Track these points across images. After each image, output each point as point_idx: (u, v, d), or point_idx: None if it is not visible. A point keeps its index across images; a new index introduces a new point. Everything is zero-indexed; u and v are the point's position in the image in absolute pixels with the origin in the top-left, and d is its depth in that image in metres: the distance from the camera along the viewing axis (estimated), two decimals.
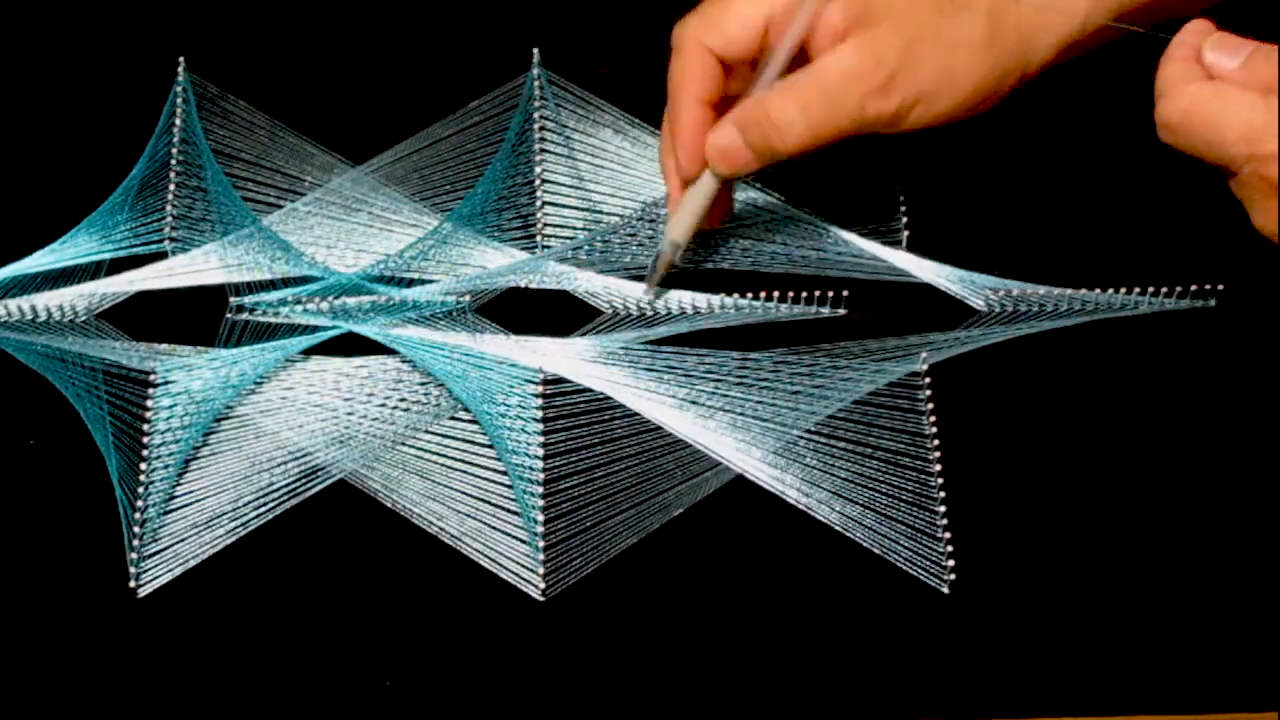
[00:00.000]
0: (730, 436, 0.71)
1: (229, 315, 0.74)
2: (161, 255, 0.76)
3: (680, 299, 0.75)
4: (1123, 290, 0.74)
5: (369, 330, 0.74)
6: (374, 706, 0.66)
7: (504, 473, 0.71)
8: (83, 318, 0.75)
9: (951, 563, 0.68)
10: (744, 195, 0.77)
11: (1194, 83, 0.60)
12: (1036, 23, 0.66)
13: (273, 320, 0.74)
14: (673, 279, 0.75)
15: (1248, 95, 0.58)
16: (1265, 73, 0.59)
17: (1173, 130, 0.60)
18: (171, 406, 0.72)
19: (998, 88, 0.67)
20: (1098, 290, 0.74)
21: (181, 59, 0.81)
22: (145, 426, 0.71)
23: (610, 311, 0.75)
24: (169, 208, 0.77)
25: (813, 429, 0.72)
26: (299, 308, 0.74)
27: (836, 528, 0.69)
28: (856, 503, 0.70)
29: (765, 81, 0.66)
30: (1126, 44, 0.69)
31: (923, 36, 0.64)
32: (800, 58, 0.66)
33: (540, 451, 0.71)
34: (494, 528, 0.70)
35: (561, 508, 0.70)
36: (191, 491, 0.70)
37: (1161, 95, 0.61)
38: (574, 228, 0.77)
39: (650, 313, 0.74)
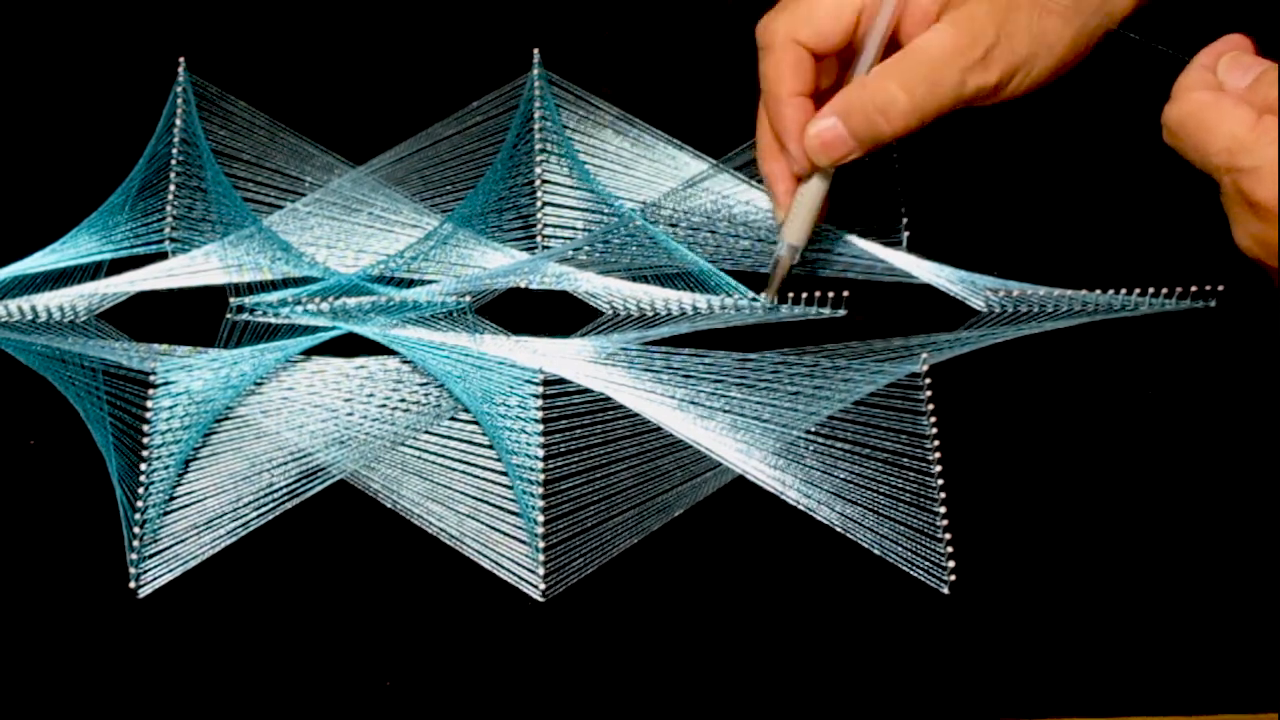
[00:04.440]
0: (730, 437, 0.71)
1: (229, 315, 0.74)
2: (162, 255, 0.76)
3: (680, 299, 0.75)
4: (1123, 290, 0.74)
5: (369, 331, 0.74)
6: (374, 706, 0.66)
7: (504, 473, 0.71)
8: (83, 318, 0.75)
9: (951, 563, 0.68)
10: (745, 196, 0.77)
11: (1199, 90, 0.61)
12: None
13: (273, 321, 0.74)
14: (674, 281, 0.75)
15: (1240, 109, 0.60)
16: (1267, 92, 0.60)
17: (1171, 133, 0.62)
18: (171, 406, 0.72)
19: (1085, 46, 0.68)
20: (1098, 290, 0.74)
21: (181, 59, 0.81)
22: (145, 426, 0.71)
23: (610, 312, 0.75)
24: (169, 208, 0.77)
25: (813, 430, 0.72)
26: (299, 308, 0.74)
27: (837, 528, 0.69)
28: (857, 503, 0.70)
29: (862, 69, 0.66)
30: (1126, 44, 0.69)
31: (1014, 6, 0.65)
32: (892, 45, 0.66)
33: (540, 452, 0.71)
34: (494, 528, 0.70)
35: (561, 508, 0.70)
36: (191, 491, 0.70)
37: (1171, 98, 0.62)
38: (574, 228, 0.77)
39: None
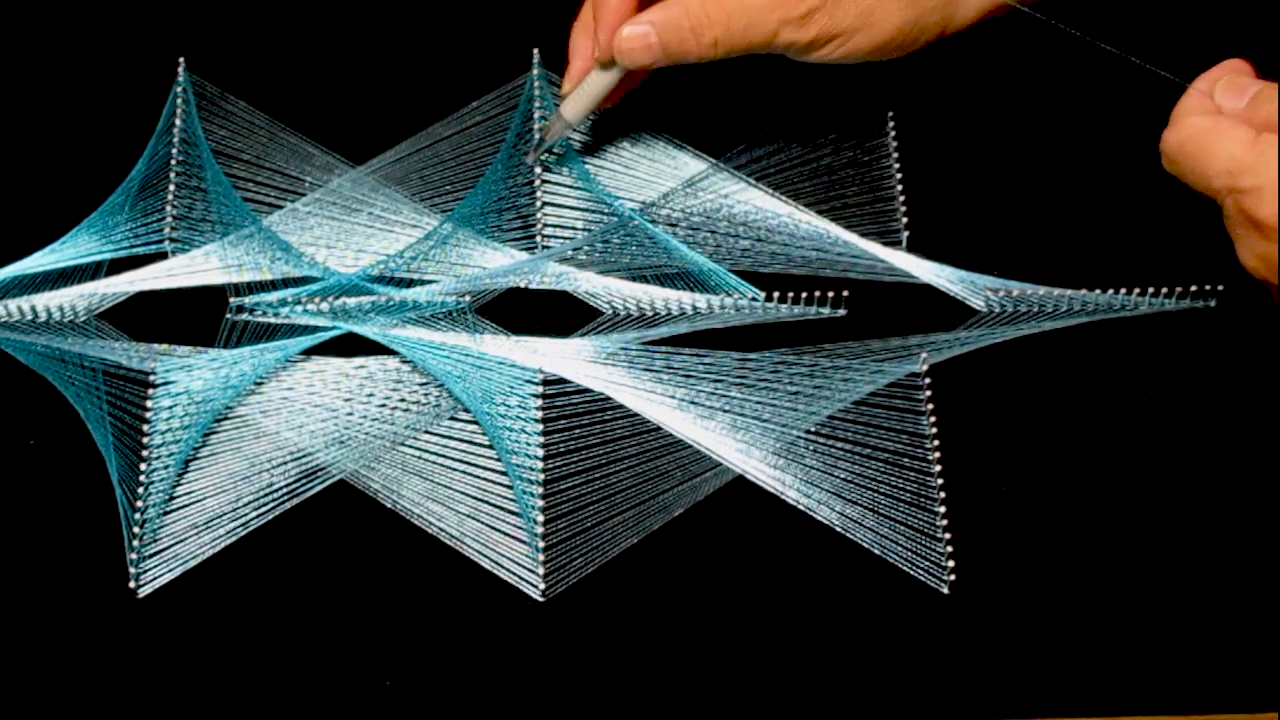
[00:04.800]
0: (730, 437, 0.71)
1: (229, 315, 0.74)
2: (161, 255, 0.76)
3: (680, 299, 0.75)
4: (1123, 290, 0.74)
5: (369, 330, 0.74)
6: (374, 706, 0.66)
7: (504, 473, 0.71)
8: (83, 318, 0.75)
9: (951, 563, 0.68)
10: (744, 195, 0.77)
11: (1197, 115, 0.61)
12: None
13: (273, 321, 0.74)
14: (674, 281, 0.75)
15: (1239, 130, 0.60)
16: (1265, 111, 0.60)
17: (1170, 159, 0.62)
18: (171, 406, 0.72)
19: (915, 39, 0.69)
20: (1098, 290, 0.74)
21: (181, 59, 0.81)
22: (145, 426, 0.71)
23: (610, 312, 0.75)
24: (169, 208, 0.77)
25: (813, 429, 0.72)
26: (299, 308, 0.74)
27: (837, 528, 0.69)
28: (856, 503, 0.70)
29: None
30: (1126, 44, 0.69)
31: None
32: None
33: (540, 452, 0.71)
34: (494, 528, 0.70)
35: (561, 508, 0.70)
36: (191, 491, 0.70)
37: (1170, 125, 0.62)
38: (574, 228, 0.77)
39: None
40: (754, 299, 0.74)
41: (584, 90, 0.72)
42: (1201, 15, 0.81)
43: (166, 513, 0.70)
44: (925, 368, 0.73)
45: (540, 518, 0.69)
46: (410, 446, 0.72)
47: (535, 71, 0.80)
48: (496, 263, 0.76)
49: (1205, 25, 0.80)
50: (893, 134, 0.80)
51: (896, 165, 0.79)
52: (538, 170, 0.78)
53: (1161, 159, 0.63)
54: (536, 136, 0.77)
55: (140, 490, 0.70)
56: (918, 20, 0.68)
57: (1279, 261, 0.60)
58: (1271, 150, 0.58)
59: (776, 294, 0.74)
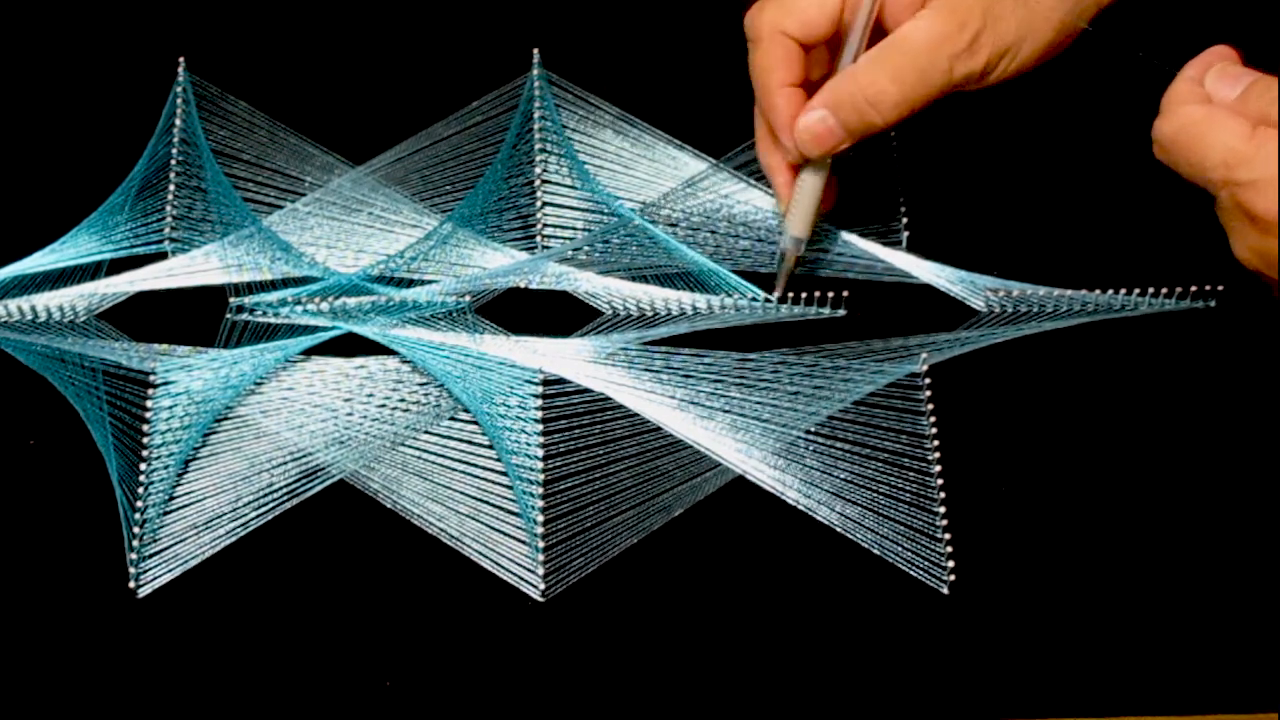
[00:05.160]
0: (730, 437, 0.71)
1: (229, 315, 0.74)
2: (161, 255, 0.76)
3: (680, 299, 0.75)
4: (1123, 290, 0.74)
5: (369, 331, 0.74)
6: (374, 706, 0.66)
7: (504, 473, 0.71)
8: (83, 318, 0.75)
9: (951, 563, 0.68)
10: (744, 196, 0.77)
11: (1190, 104, 0.61)
12: None
13: (273, 321, 0.74)
14: (674, 281, 0.75)
15: (1235, 122, 0.59)
16: (1259, 104, 0.60)
17: (1164, 148, 0.62)
18: (171, 406, 0.72)
19: (1074, 26, 0.67)
20: (1098, 290, 0.74)
21: (181, 59, 0.81)
22: (145, 426, 0.71)
23: (610, 312, 0.75)
24: (169, 208, 0.77)
25: (813, 430, 0.72)
26: (299, 308, 0.74)
27: (836, 528, 0.69)
28: (856, 503, 0.70)
29: (848, 59, 0.66)
30: (1125, 44, 0.69)
31: None
32: (878, 33, 0.66)
33: (540, 452, 0.71)
34: (494, 528, 0.70)
35: (561, 508, 0.70)
36: (191, 491, 0.70)
37: (1161, 113, 0.62)
38: (574, 228, 0.77)
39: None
40: (754, 299, 0.74)
41: (799, 202, 0.71)
42: (1197, 12, 0.81)
43: (166, 513, 0.70)
44: (925, 368, 0.73)
45: (540, 518, 0.69)
46: (410, 446, 0.72)
47: (535, 71, 0.80)
48: (496, 263, 0.76)
49: (1200, 22, 0.80)
50: (893, 134, 0.80)
51: (896, 165, 0.79)
52: (538, 171, 0.78)
53: (1154, 147, 0.62)
54: (777, 267, 0.74)
55: (140, 490, 0.70)
56: (1072, 8, 0.67)
57: (1279, 256, 0.60)
58: (1270, 144, 0.58)
59: (776, 294, 0.74)
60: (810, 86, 0.68)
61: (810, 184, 0.70)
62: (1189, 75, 0.62)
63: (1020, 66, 0.67)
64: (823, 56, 0.68)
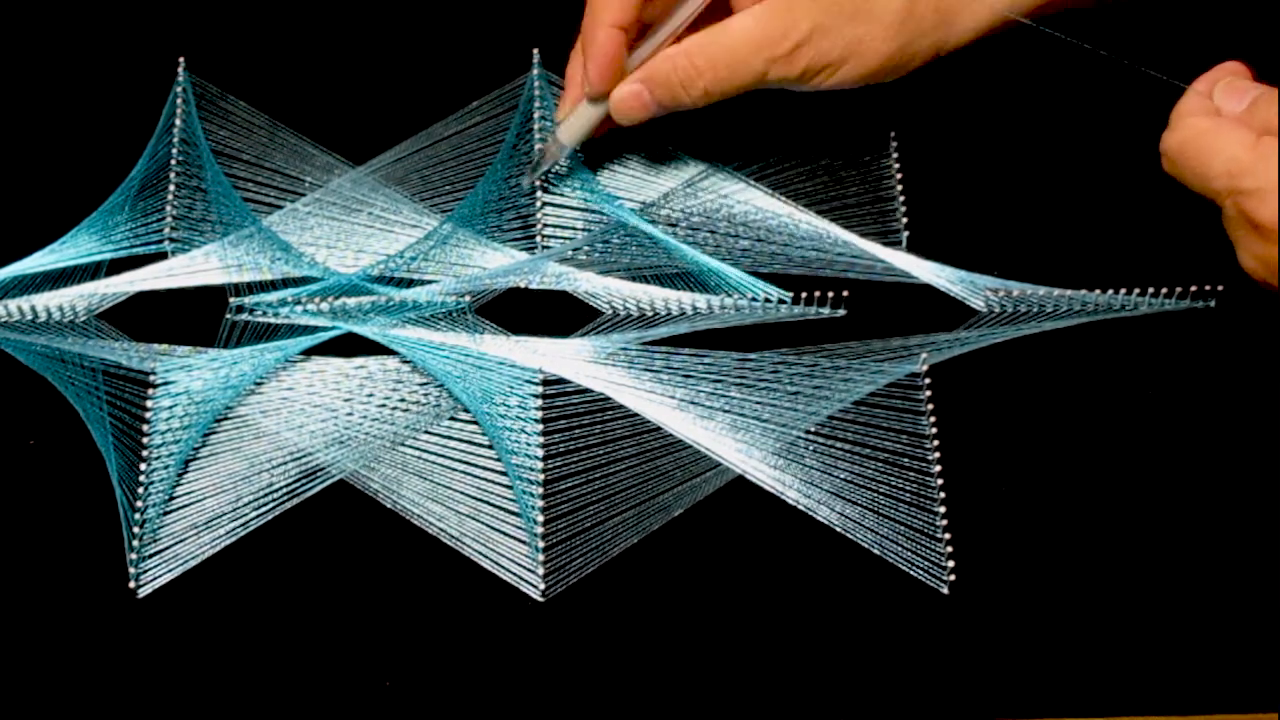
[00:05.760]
0: (730, 437, 0.71)
1: (229, 315, 0.74)
2: (161, 255, 0.76)
3: (680, 299, 0.75)
4: (1123, 290, 0.74)
5: (369, 331, 0.74)
6: (374, 706, 0.66)
7: (504, 473, 0.71)
8: (83, 318, 0.75)
9: (951, 563, 0.68)
10: (744, 195, 0.77)
11: (1197, 116, 0.61)
12: (956, 4, 0.68)
13: (273, 321, 0.74)
14: (674, 281, 0.75)
15: (1239, 132, 0.60)
16: (1265, 116, 0.60)
17: (1170, 160, 0.62)
18: (171, 406, 0.72)
19: (908, 63, 0.69)
20: (1098, 291, 0.74)
21: (181, 59, 0.81)
22: (145, 426, 0.71)
23: (610, 312, 0.75)
24: (169, 208, 0.77)
25: (813, 429, 0.72)
26: (299, 308, 0.74)
27: (836, 528, 0.69)
28: (856, 503, 0.70)
29: (668, 30, 0.69)
30: (1127, 44, 0.69)
31: (838, 7, 0.67)
32: (721, 7, 0.69)
33: (540, 452, 0.71)
34: (494, 528, 0.70)
35: (561, 508, 0.70)
36: (191, 491, 0.70)
37: (1169, 126, 0.62)
38: (574, 228, 0.77)
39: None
40: (754, 299, 0.74)
41: (578, 118, 0.73)
42: (1196, 20, 0.81)
43: (166, 513, 0.70)
44: (925, 368, 0.73)
45: (540, 518, 0.69)
46: (410, 446, 0.72)
47: (535, 71, 0.80)
48: (496, 263, 0.76)
49: (1201, 30, 0.80)
50: (893, 134, 0.80)
51: (896, 165, 0.79)
52: (536, 179, 0.78)
53: (1161, 160, 0.63)
54: (535, 158, 0.77)
55: (140, 490, 0.70)
56: (906, 47, 0.68)
57: (1279, 264, 0.60)
58: (1272, 153, 0.58)
59: (776, 294, 0.74)
60: (641, 27, 0.70)
61: (595, 110, 0.73)
62: (1198, 89, 0.62)
63: (839, 83, 0.69)
64: (666, 2, 0.70)
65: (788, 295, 0.74)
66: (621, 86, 0.70)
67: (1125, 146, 0.78)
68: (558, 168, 0.77)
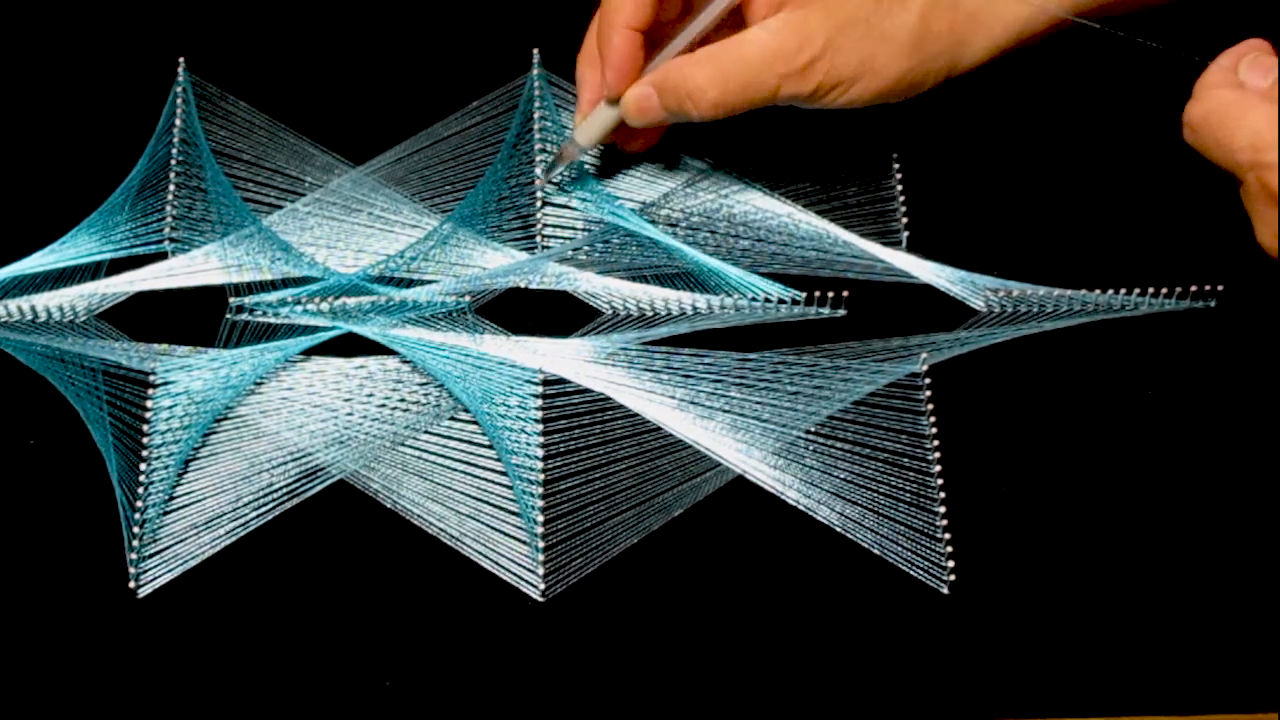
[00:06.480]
0: (730, 437, 0.71)
1: (229, 316, 0.74)
2: (161, 256, 0.76)
3: (680, 299, 0.75)
4: (1123, 291, 0.74)
5: (369, 331, 0.74)
6: (374, 706, 0.66)
7: (504, 473, 0.71)
8: (83, 318, 0.75)
9: (951, 563, 0.68)
10: (744, 195, 0.77)
11: (1223, 88, 0.61)
12: (970, 26, 0.68)
13: (273, 321, 0.74)
14: (674, 281, 0.75)
15: (1266, 106, 0.60)
16: None
17: (1193, 130, 0.62)
18: (171, 407, 0.72)
19: (920, 82, 0.69)
20: (1098, 291, 0.74)
21: (181, 59, 0.81)
22: (145, 426, 0.71)
23: (610, 312, 0.75)
24: (169, 208, 0.77)
25: (813, 429, 0.72)
26: (299, 308, 0.74)
27: (836, 528, 0.69)
28: (856, 503, 0.70)
29: (685, 38, 0.69)
30: (1126, 44, 0.69)
31: (852, 25, 0.66)
32: (736, 18, 0.68)
33: (540, 452, 0.71)
34: (494, 528, 0.70)
35: (561, 508, 0.70)
36: (191, 492, 0.70)
37: (1193, 96, 0.62)
38: (574, 228, 0.77)
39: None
40: (754, 298, 0.74)
41: (594, 120, 0.73)
42: (1209, 14, 0.80)
43: (166, 513, 0.70)
44: (925, 368, 0.73)
45: (540, 518, 0.69)
46: (410, 446, 0.72)
47: (535, 71, 0.80)
48: (496, 263, 0.76)
49: (1214, 24, 0.80)
50: (893, 137, 0.79)
51: (896, 165, 0.79)
52: (538, 171, 0.78)
53: (1184, 130, 0.63)
54: (549, 159, 0.77)
55: (140, 490, 0.70)
56: (919, 66, 0.68)
57: None
58: None
59: (776, 294, 0.74)
60: (658, 28, 0.70)
61: (610, 114, 0.72)
62: (1223, 64, 0.62)
63: (852, 101, 0.68)
64: (678, 3, 0.70)
65: (800, 295, 0.74)
66: (633, 88, 0.70)
67: (1125, 146, 0.78)
68: (566, 172, 0.77)
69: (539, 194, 0.78)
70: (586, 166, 0.78)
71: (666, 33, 0.70)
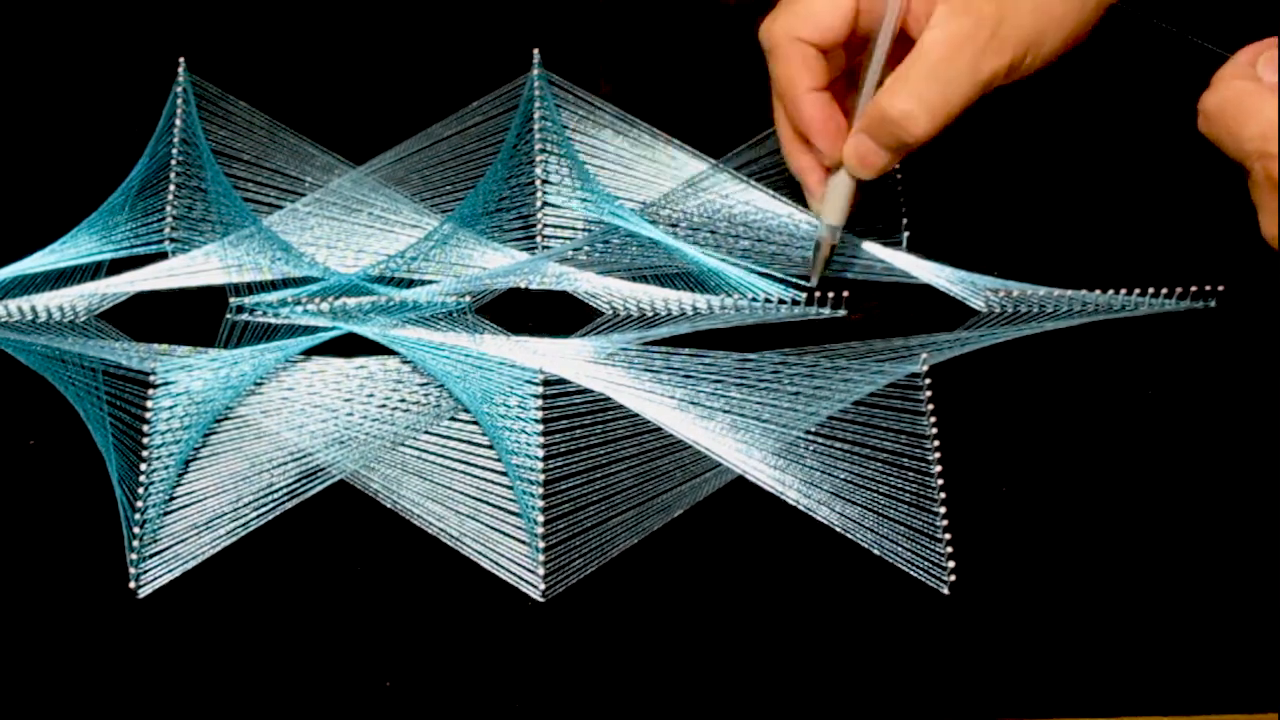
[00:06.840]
0: (730, 437, 0.71)
1: (229, 316, 0.74)
2: (162, 255, 0.76)
3: (680, 299, 0.75)
4: (1123, 291, 0.74)
5: (369, 331, 0.74)
6: (374, 706, 0.66)
7: (504, 473, 0.71)
8: (83, 318, 0.75)
9: (951, 564, 0.68)
10: (744, 196, 0.77)
11: (1239, 80, 0.61)
12: None
13: (273, 321, 0.74)
14: (674, 281, 0.75)
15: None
16: None
17: (1208, 118, 0.62)
18: (171, 407, 0.72)
19: (1096, 12, 0.67)
20: (1098, 291, 0.74)
21: (181, 59, 0.81)
22: (145, 427, 0.71)
23: (610, 312, 0.75)
24: (169, 208, 0.77)
25: (813, 430, 0.72)
26: (299, 308, 0.74)
27: (836, 529, 0.69)
28: (856, 503, 0.70)
29: (874, 70, 0.66)
30: (1127, 44, 0.69)
31: None
32: (903, 40, 0.66)
33: (540, 452, 0.71)
34: (494, 528, 0.70)
35: (561, 509, 0.70)
36: (191, 492, 0.70)
37: (1210, 87, 0.62)
38: (574, 228, 0.77)
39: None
40: (754, 299, 0.74)
41: (833, 196, 0.71)
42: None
43: (166, 513, 0.70)
44: (925, 368, 0.73)
45: (540, 518, 0.69)
46: (410, 446, 0.72)
47: (535, 72, 0.80)
48: (496, 263, 0.76)
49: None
50: None
51: (896, 166, 0.79)
52: (538, 171, 0.78)
53: (1198, 118, 0.62)
54: (811, 257, 0.74)
55: (140, 490, 0.70)
56: (1080, 8, 0.66)
57: None
58: None
59: (777, 294, 0.74)
60: (832, 87, 0.68)
61: (842, 182, 0.70)
62: (1241, 60, 0.62)
63: (1047, 58, 0.66)
64: (839, 55, 0.68)
65: (800, 295, 0.74)
66: (847, 146, 0.67)
67: (1125, 147, 0.78)
68: (571, 176, 0.77)
69: (539, 194, 0.78)
70: (586, 167, 0.78)
71: (843, 88, 0.69)
